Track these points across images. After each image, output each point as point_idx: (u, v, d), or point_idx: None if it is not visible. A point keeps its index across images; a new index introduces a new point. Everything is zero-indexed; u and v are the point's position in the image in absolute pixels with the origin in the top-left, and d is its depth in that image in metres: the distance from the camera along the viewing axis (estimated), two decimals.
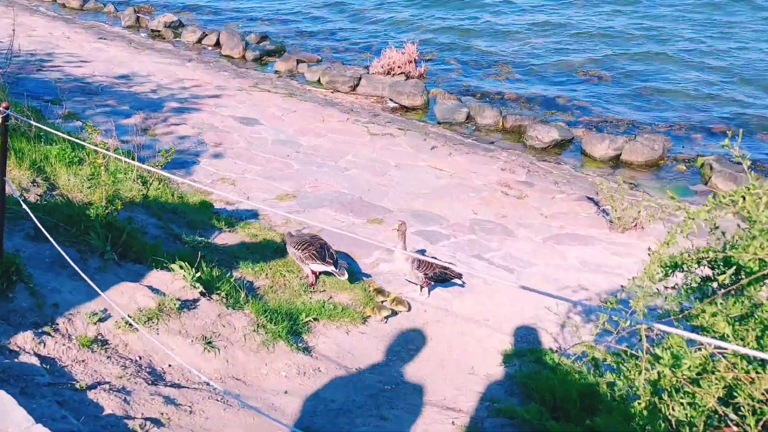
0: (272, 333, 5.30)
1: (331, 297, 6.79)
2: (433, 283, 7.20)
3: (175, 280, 5.37)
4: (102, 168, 5.63)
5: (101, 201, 5.56)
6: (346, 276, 6.83)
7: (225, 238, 7.59)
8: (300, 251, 6.84)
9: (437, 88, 16.68)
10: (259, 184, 10.43)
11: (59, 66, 15.44)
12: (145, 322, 4.75)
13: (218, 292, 5.58)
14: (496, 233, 9.60)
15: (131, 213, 6.70)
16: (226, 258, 6.94)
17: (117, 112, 12.70)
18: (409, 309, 6.92)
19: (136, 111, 12.47)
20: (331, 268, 6.76)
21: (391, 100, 16.10)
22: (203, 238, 7.15)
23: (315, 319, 6.11)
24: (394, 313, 6.64)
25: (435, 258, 7.40)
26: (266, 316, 5.48)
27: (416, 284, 7.29)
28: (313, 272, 6.91)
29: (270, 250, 7.38)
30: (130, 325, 4.65)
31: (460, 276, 7.34)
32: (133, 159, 8.32)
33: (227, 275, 6.05)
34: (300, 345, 5.50)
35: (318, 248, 6.83)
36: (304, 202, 9.90)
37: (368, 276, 7.61)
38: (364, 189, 10.75)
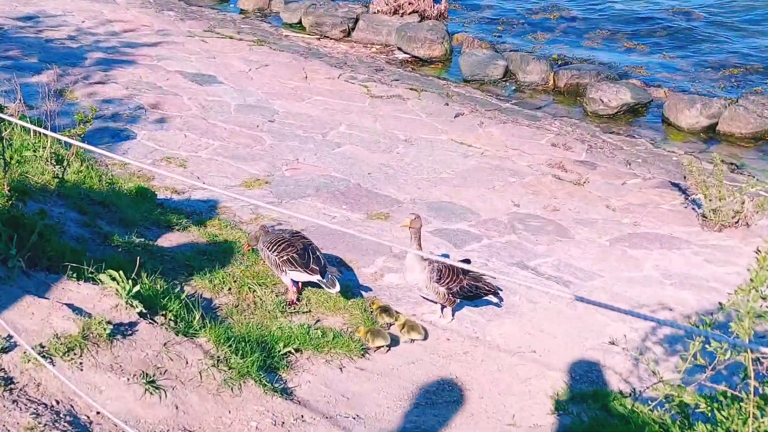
0: (238, 369, 5.33)
1: (318, 320, 6.82)
2: (459, 300, 7.22)
3: (104, 297, 5.40)
4: (2, 143, 5.66)
5: (2, 188, 5.60)
6: (338, 288, 6.84)
7: (173, 239, 7.62)
8: (276, 254, 6.87)
9: (463, 32, 16.72)
10: (218, 165, 10.47)
11: None
12: (64, 354, 4.78)
13: (164, 312, 5.60)
14: (545, 233, 9.62)
15: (44, 205, 6.73)
16: (175, 267, 6.97)
17: (22, 66, 12.75)
18: (426, 337, 6.95)
19: (48, 65, 12.50)
20: (317, 278, 6.77)
21: (399, 49, 16.13)
22: (143, 240, 7.17)
23: (297, 350, 6.14)
24: (392, 343, 6.64)
25: (463, 263, 7.37)
26: (230, 346, 5.51)
27: (436, 302, 7.32)
28: (295, 284, 6.94)
29: (234, 256, 7.42)
30: (44, 358, 4.68)
31: (497, 292, 7.37)
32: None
33: (176, 290, 6.08)
34: (276, 385, 5.53)
35: (300, 250, 6.86)
36: (280, 191, 9.94)
37: (369, 290, 7.65)
38: (362, 172, 10.79)
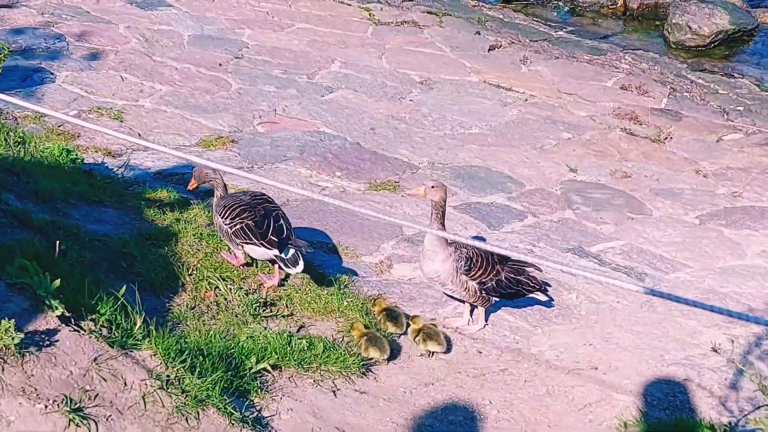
0: (195, 393, 5.34)
1: (303, 326, 6.84)
2: (494, 299, 7.22)
3: (13, 295, 5.41)
4: None
5: None
6: (301, 267, 6.94)
7: (106, 218, 7.62)
8: (228, 221, 7.04)
9: None
10: (167, 118, 10.46)
11: None
12: None
13: (93, 316, 5.61)
14: (612, 208, 9.60)
15: None
16: (109, 255, 6.98)
17: None
18: (449, 348, 6.95)
19: None
20: (274, 253, 6.90)
21: None
22: (65, 219, 7.17)
23: (275, 367, 6.15)
24: (392, 357, 6.67)
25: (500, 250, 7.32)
26: (183, 362, 5.52)
27: (464, 302, 7.31)
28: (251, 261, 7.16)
29: (188, 241, 7.42)
30: None
31: (545, 289, 7.36)
32: None
33: (110, 286, 6.08)
34: (247, 414, 5.54)
35: (260, 217, 7.01)
36: (251, 152, 9.93)
37: (371, 285, 7.65)
38: (363, 127, 10.77)
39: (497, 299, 7.27)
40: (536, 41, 13.55)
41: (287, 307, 7.01)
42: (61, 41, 11.85)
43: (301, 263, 6.95)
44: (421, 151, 10.36)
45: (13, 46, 11.28)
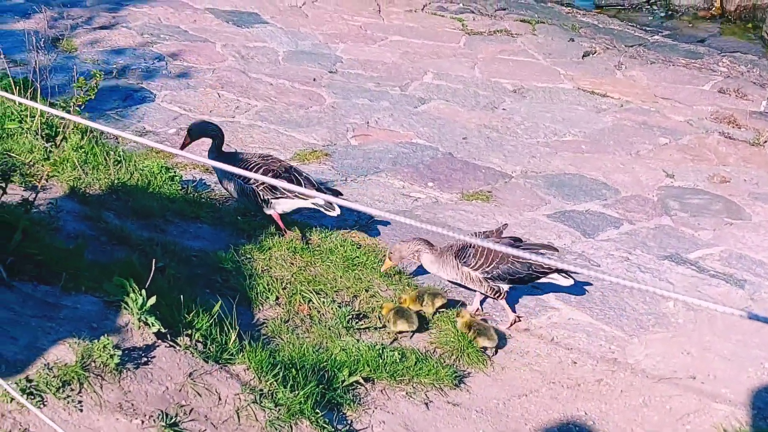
0: (288, 406, 5.39)
1: (395, 338, 6.85)
2: (505, 287, 7.14)
3: (111, 313, 5.51)
4: None
5: None
6: (338, 210, 7.62)
7: (203, 233, 7.74)
8: (252, 180, 7.43)
9: None
10: (262, 133, 10.58)
11: None
12: (58, 390, 4.90)
13: (189, 332, 5.70)
14: (710, 214, 9.47)
15: (32, 192, 6.88)
16: (205, 270, 7.08)
17: (4, 8, 13.07)
18: (499, 344, 6.89)
19: (37, 6, 12.77)
20: (312, 201, 7.44)
21: None
22: (162, 236, 7.29)
23: (367, 380, 6.18)
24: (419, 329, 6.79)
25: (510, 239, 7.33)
26: (276, 376, 5.58)
27: (481, 293, 7.33)
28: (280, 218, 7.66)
29: (283, 254, 7.50)
30: (32, 396, 4.80)
31: (563, 270, 7.19)
32: (33, 95, 8.59)
33: (205, 302, 6.17)
34: (340, 428, 5.58)
35: (284, 172, 7.44)
36: (344, 165, 9.99)
37: (461, 292, 7.64)
38: (455, 137, 10.77)
39: (509, 287, 7.20)
40: (631, 46, 13.42)
41: (379, 319, 7.04)
42: (160, 60, 12.06)
43: (337, 208, 7.59)
44: (514, 160, 10.32)
45: (114, 66, 11.52)
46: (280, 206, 7.59)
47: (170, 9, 13.68)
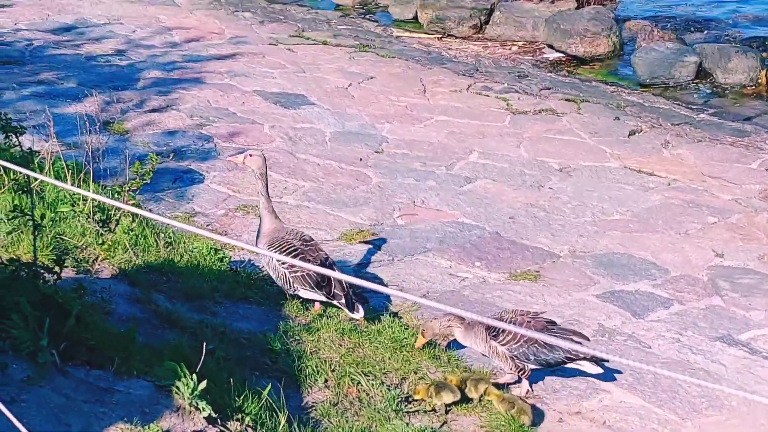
0: None
1: (445, 422, 6.79)
2: (531, 367, 7.19)
3: (162, 398, 5.50)
4: (31, 199, 5.88)
5: (30, 257, 5.79)
6: (362, 312, 7.69)
7: (251, 314, 7.74)
8: (287, 266, 7.63)
9: (637, 20, 16.57)
10: (310, 213, 10.63)
11: None
12: None
13: (239, 416, 5.67)
14: (761, 293, 9.35)
15: (85, 276, 6.92)
16: (254, 352, 7.07)
17: (57, 92, 13.30)
18: (534, 420, 6.80)
19: (91, 90, 12.98)
20: (342, 301, 7.60)
21: (550, 47, 16.10)
22: (212, 318, 7.30)
23: None
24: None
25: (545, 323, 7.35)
26: None
27: (508, 371, 7.35)
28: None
29: (331, 335, 7.48)
30: None
31: (594, 358, 7.18)
32: (86, 179, 8.68)
33: (255, 384, 6.15)
34: None
35: (320, 262, 7.66)
36: (391, 245, 9.99)
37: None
38: (502, 216, 10.75)
39: (534, 367, 7.21)
40: (677, 125, 13.39)
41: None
42: (209, 142, 12.18)
43: (362, 310, 7.69)
44: (561, 239, 10.28)
45: (165, 148, 11.65)
46: (304, 294, 7.80)
47: (219, 91, 13.84)
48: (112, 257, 7.63)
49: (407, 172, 11.79)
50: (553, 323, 7.34)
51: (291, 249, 7.70)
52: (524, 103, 14.02)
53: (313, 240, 8.07)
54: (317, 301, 7.83)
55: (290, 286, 7.72)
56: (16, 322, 5.20)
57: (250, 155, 8.03)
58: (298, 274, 7.61)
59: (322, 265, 7.57)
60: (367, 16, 18.16)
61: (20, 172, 6.21)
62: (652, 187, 11.54)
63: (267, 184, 8.03)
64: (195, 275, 8.04)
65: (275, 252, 7.57)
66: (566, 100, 14.12)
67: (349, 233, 10.20)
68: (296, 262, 7.44)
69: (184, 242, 8.80)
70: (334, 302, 7.65)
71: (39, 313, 5.27)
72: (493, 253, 9.93)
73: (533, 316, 7.28)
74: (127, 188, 7.75)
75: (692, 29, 16.41)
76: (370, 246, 9.95)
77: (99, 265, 7.37)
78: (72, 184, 8.66)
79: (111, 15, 16.96)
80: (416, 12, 17.54)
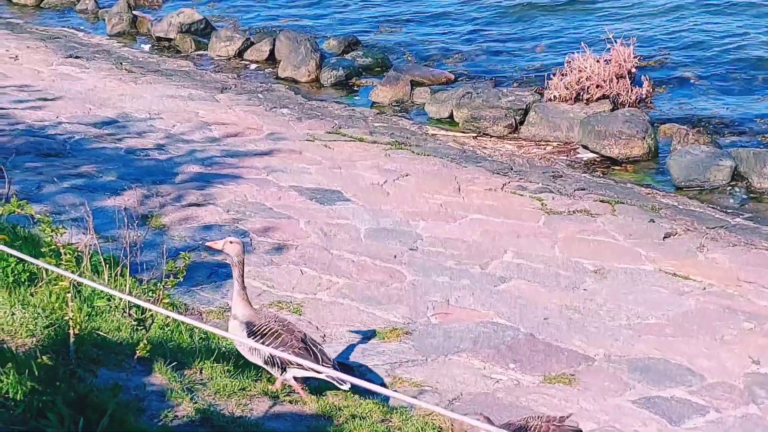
0: None
1: None
2: None
3: None
4: (68, 295, 5.90)
5: (66, 355, 5.79)
6: (349, 385, 7.81)
7: (285, 415, 7.69)
8: (271, 347, 7.63)
9: (672, 123, 16.62)
10: (343, 310, 10.61)
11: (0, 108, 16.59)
12: None
13: None
14: None
15: (119, 373, 6.91)
16: None
17: (96, 186, 13.42)
18: None
19: (130, 183, 13.10)
20: (327, 374, 7.51)
21: (584, 147, 16.13)
22: (245, 417, 7.27)
23: None
24: None
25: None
26: None
27: None
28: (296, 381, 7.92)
29: None
30: None
31: None
32: (122, 273, 8.74)
33: None
34: None
35: (301, 342, 7.76)
36: (425, 344, 9.95)
37: None
38: (537, 317, 10.67)
39: None
40: (712, 228, 13.32)
41: None
42: (244, 237, 12.22)
43: (348, 382, 7.76)
44: (596, 342, 10.19)
45: (201, 242, 11.69)
46: (291, 373, 7.87)
47: (256, 187, 13.92)
48: (146, 353, 7.64)
49: (441, 270, 11.77)
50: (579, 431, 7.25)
51: (272, 332, 7.82)
52: (559, 203, 14.01)
53: (287, 320, 8.23)
54: (305, 377, 7.92)
55: (278, 367, 7.81)
56: (52, 421, 5.20)
57: (230, 242, 8.15)
58: (286, 353, 7.62)
59: (303, 342, 7.79)
60: (403, 114, 18.26)
61: (62, 265, 6.25)
62: (688, 291, 11.45)
63: (243, 272, 8.10)
64: (229, 372, 8.02)
65: (258, 338, 7.73)
66: (601, 201, 14.10)
67: (382, 331, 10.17)
68: (285, 355, 7.59)
69: (218, 338, 8.81)
70: (323, 375, 7.64)
71: (74, 413, 5.27)
72: (528, 355, 9.86)
73: (559, 423, 7.19)
74: (162, 286, 7.78)
75: (727, 132, 16.41)
76: (404, 345, 9.92)
77: (134, 361, 7.37)
78: (108, 279, 8.74)
79: (151, 110, 17.15)
80: (452, 111, 17.62)
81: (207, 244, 8.71)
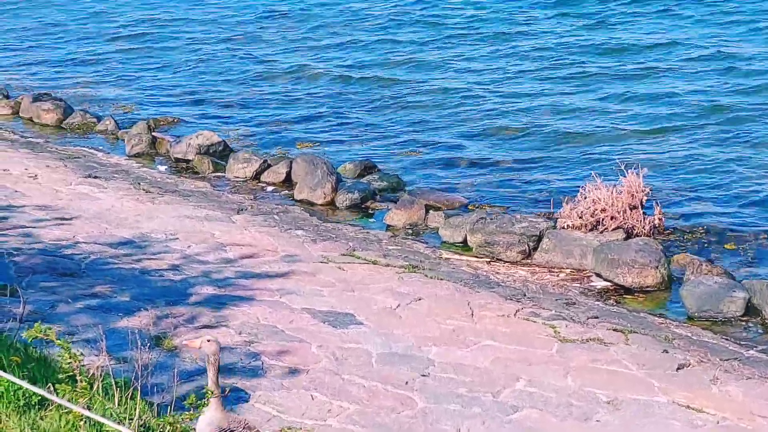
0: None
1: None
2: None
3: None
4: (80, 423, 5.89)
5: None
6: None
7: None
8: None
9: (685, 252, 16.63)
10: None
11: (18, 227, 16.73)
12: None
13: None
14: None
15: None
16: None
17: (111, 306, 13.45)
18: None
19: (144, 304, 13.13)
20: None
21: (598, 275, 16.11)
22: None
23: None
24: None
25: None
26: None
27: None
28: None
29: None
30: None
31: None
32: (133, 396, 8.70)
33: None
34: None
35: None
36: None
37: None
38: None
39: None
40: (726, 360, 13.22)
41: None
42: (256, 360, 12.21)
43: None
44: None
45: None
46: None
47: (268, 309, 13.93)
48: None
49: (453, 397, 11.69)
50: None
51: None
52: (572, 331, 13.95)
53: (257, 429, 8.45)
54: None
55: None
56: None
57: (208, 340, 8.45)
58: None
59: None
60: (417, 238, 18.31)
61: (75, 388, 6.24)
62: (701, 425, 11.33)
63: (218, 373, 8.29)
64: None
65: None
66: (614, 330, 14.04)
67: None
68: None
69: None
70: None
71: None
72: None
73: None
74: (180, 419, 7.77)
75: (741, 263, 16.39)
76: None
77: None
78: (119, 402, 8.70)
79: (168, 230, 17.22)
80: (466, 236, 17.66)
81: (184, 342, 8.79)
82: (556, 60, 28.11)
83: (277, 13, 35.52)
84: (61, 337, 8.74)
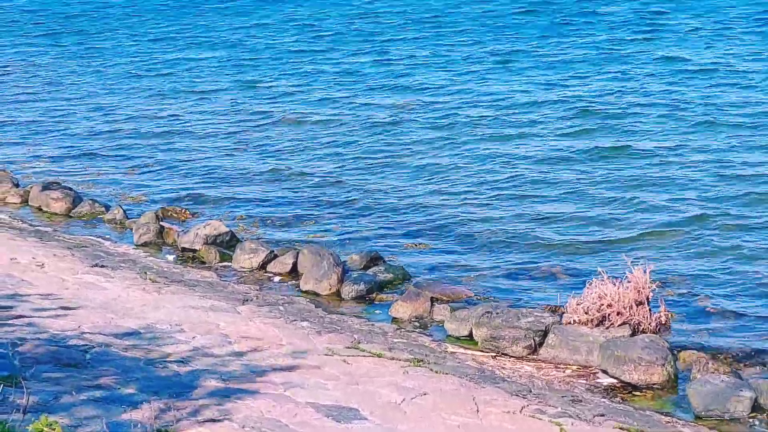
0: None
1: None
2: None
3: None
4: None
5: None
6: None
7: None
8: None
9: (691, 351, 16.53)
10: None
11: (22, 316, 16.67)
12: None
13: None
14: None
15: None
16: None
17: (114, 398, 13.33)
18: None
19: (148, 397, 13.02)
20: None
21: (604, 372, 15.99)
22: None
23: None
24: None
25: None
26: None
27: None
28: None
29: None
30: None
31: None
32: None
33: None
34: None
35: None
36: None
37: None
38: None
39: None
40: None
41: None
42: None
43: None
44: None
45: None
46: None
47: (272, 402, 13.81)
48: None
49: None
50: None
51: None
52: (578, 429, 13.81)
53: None
54: None
55: None
56: None
57: None
58: None
59: None
60: (423, 330, 18.22)
61: None
62: None
63: None
64: None
65: None
66: (620, 428, 13.89)
67: None
68: None
69: None
70: None
71: None
72: None
73: None
74: None
75: (748, 362, 16.26)
76: None
77: None
78: None
79: (173, 321, 17.17)
80: (471, 329, 17.59)
81: None
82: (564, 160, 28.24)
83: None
84: (66, 430, 8.67)
